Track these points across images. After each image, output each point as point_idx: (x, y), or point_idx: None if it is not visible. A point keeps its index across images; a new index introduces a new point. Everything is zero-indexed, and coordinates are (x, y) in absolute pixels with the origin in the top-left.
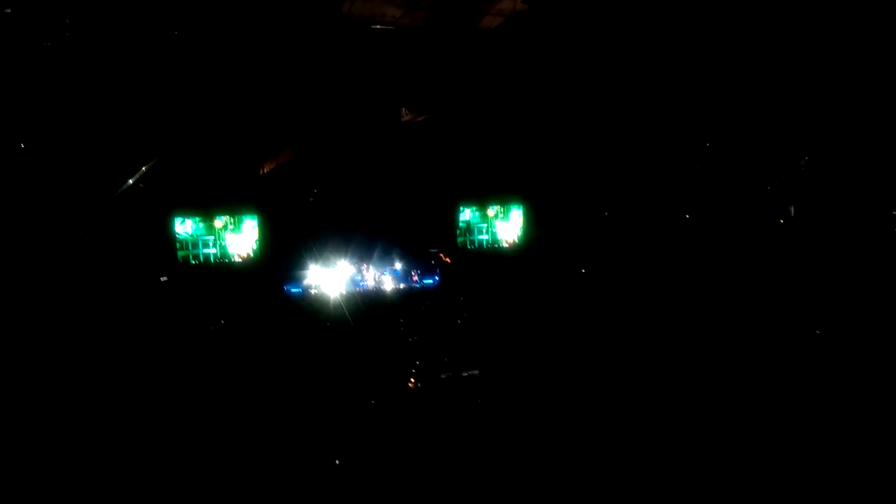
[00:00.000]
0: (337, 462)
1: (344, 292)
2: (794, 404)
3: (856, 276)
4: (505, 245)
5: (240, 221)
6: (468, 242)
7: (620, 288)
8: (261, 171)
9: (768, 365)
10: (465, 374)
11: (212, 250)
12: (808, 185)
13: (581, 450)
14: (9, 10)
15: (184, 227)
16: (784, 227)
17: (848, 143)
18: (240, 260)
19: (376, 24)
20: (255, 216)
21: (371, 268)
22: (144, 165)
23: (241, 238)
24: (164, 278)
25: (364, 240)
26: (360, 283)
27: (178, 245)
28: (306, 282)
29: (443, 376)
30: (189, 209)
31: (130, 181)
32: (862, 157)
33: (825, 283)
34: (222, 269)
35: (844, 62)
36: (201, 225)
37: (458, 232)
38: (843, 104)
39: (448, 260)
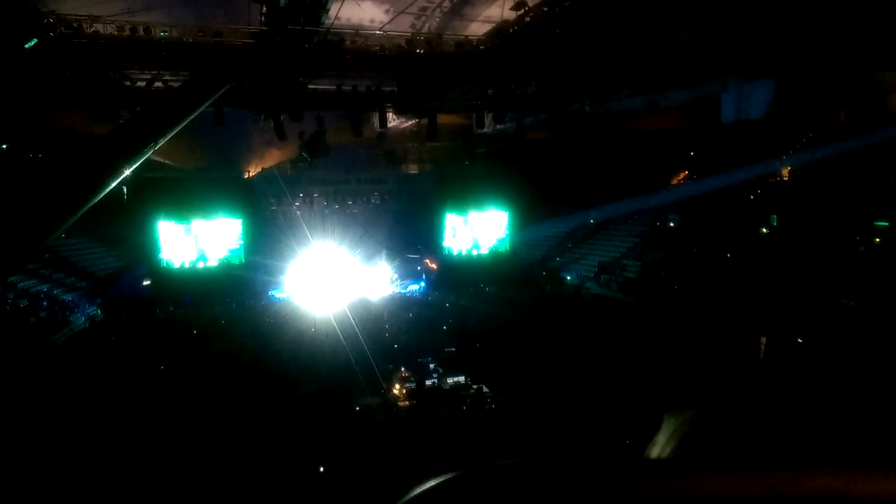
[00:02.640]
0: (321, 469)
1: (329, 298)
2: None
3: (841, 282)
4: (490, 253)
5: (223, 226)
6: (454, 250)
7: (604, 295)
8: (246, 175)
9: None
10: (451, 381)
11: (195, 255)
12: (790, 194)
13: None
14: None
15: (168, 232)
16: (766, 236)
17: (829, 154)
18: (224, 264)
19: (363, 29)
20: (240, 220)
21: (357, 273)
22: (128, 169)
23: (224, 243)
24: (147, 282)
25: (350, 245)
26: (346, 289)
27: (161, 250)
28: (291, 286)
29: (428, 383)
30: (173, 215)
31: (114, 184)
32: (843, 167)
33: (806, 291)
34: (206, 273)
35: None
36: (185, 230)
37: (444, 239)
38: (825, 110)
39: (434, 266)
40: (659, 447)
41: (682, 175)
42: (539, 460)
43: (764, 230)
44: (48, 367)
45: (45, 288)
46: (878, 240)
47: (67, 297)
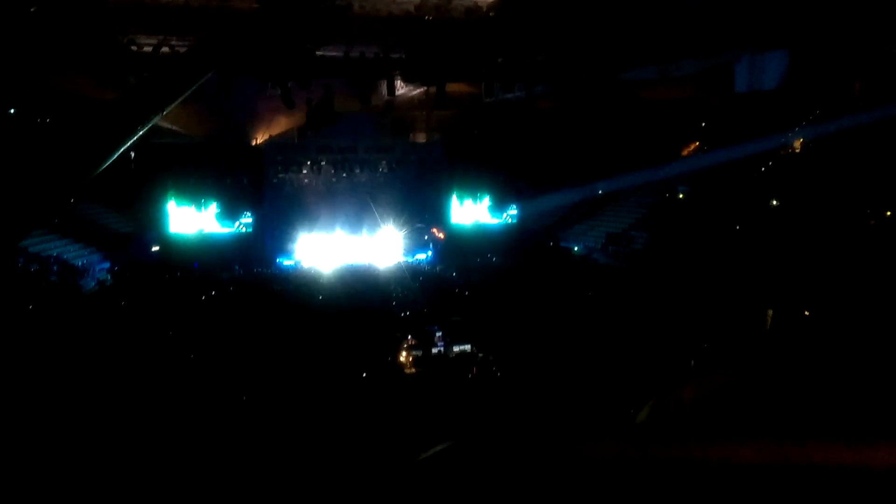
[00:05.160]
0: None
1: (337, 265)
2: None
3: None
4: (497, 223)
5: (231, 194)
6: (462, 219)
7: (611, 266)
8: (254, 142)
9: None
10: (457, 350)
11: (205, 221)
12: (802, 167)
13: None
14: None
15: (177, 195)
16: (775, 208)
17: (843, 127)
18: (232, 232)
19: None
20: (248, 188)
21: (365, 241)
22: (136, 135)
23: (232, 210)
24: (155, 248)
25: (359, 213)
26: (354, 257)
27: (170, 215)
28: (299, 254)
29: (434, 351)
30: (181, 191)
31: (122, 150)
32: (856, 140)
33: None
34: (214, 240)
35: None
36: (195, 195)
37: (451, 209)
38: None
39: (442, 236)
40: (644, 413)
41: (692, 146)
42: (547, 427)
43: (774, 203)
44: (59, 329)
45: (55, 252)
46: (889, 213)
47: (78, 262)
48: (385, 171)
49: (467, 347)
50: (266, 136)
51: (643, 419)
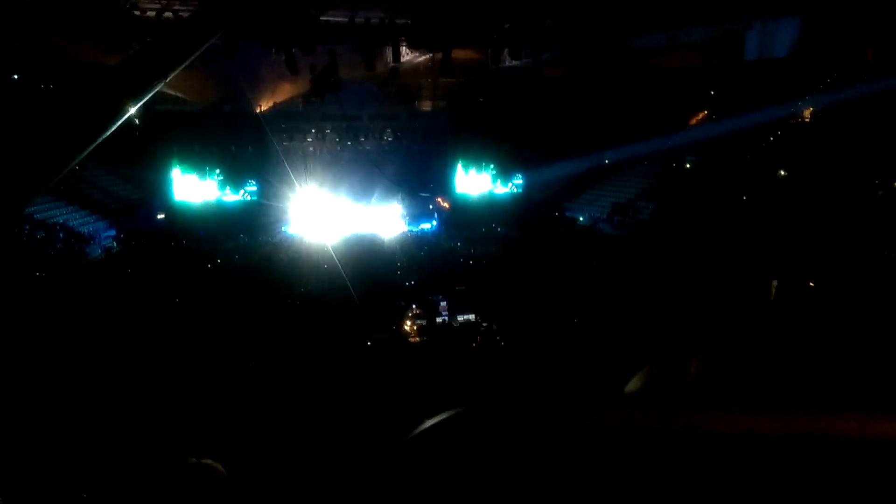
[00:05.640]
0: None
1: (342, 235)
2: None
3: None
4: (502, 193)
5: (236, 162)
6: (467, 189)
7: (616, 236)
8: (258, 109)
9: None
10: (461, 319)
11: (210, 189)
12: (811, 136)
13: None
14: None
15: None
16: (783, 178)
17: (854, 95)
18: (237, 200)
19: None
20: (252, 156)
21: (369, 210)
22: (139, 103)
23: (237, 179)
24: (161, 216)
25: (363, 182)
26: (359, 226)
27: (176, 183)
28: (304, 223)
29: (439, 320)
30: (187, 144)
31: (125, 117)
32: (867, 109)
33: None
34: (219, 209)
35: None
36: (199, 163)
37: (456, 178)
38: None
39: (446, 205)
40: (632, 384)
41: (700, 115)
42: (556, 395)
43: (782, 173)
44: (65, 296)
45: (61, 220)
46: None
47: (84, 229)
48: (390, 139)
49: (471, 317)
50: (270, 104)
51: (633, 388)
